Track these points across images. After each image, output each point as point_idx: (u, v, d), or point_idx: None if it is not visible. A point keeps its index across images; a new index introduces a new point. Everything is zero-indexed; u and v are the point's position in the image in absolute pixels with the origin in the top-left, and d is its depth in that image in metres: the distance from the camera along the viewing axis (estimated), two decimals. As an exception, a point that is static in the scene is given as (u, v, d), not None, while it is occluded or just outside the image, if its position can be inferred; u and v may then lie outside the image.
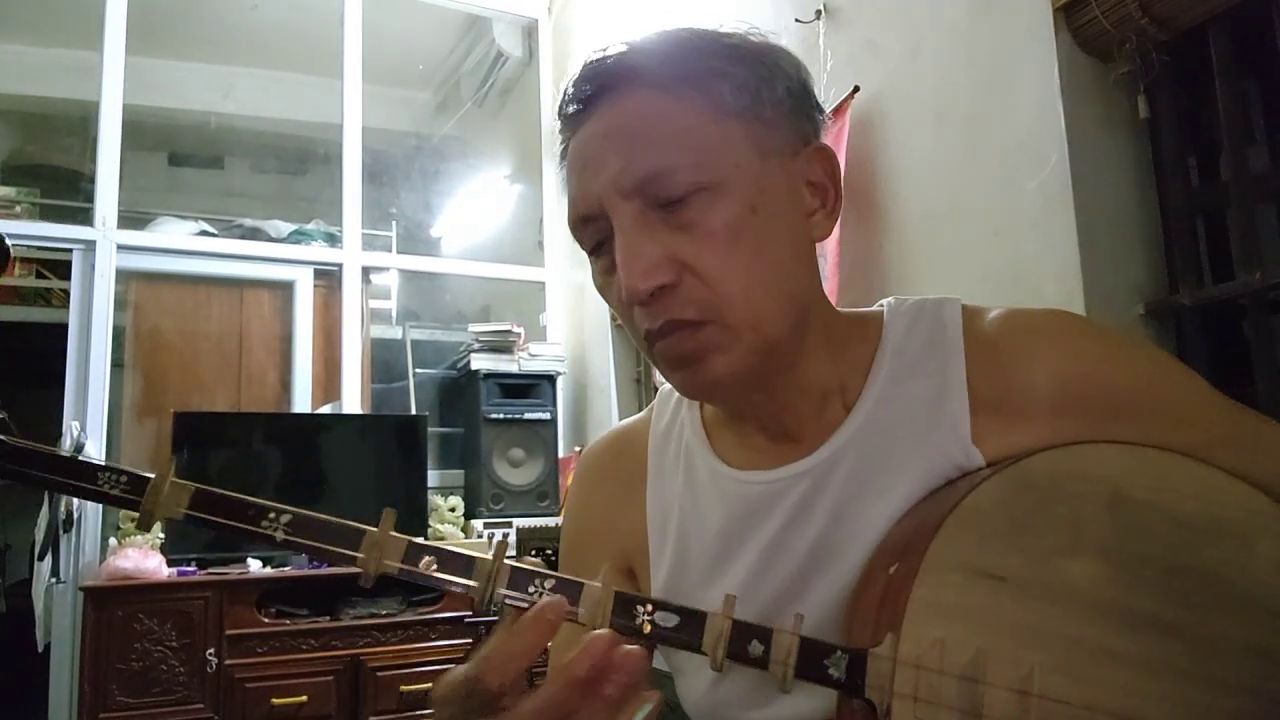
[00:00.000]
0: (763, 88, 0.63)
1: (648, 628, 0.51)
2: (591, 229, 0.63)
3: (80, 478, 0.52)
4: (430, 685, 3.03)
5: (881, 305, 0.72)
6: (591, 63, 0.64)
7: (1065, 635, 0.54)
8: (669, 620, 0.52)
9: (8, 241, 0.55)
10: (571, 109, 0.64)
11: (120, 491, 0.52)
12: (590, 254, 0.65)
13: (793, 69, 0.65)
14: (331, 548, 0.52)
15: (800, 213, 0.65)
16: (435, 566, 0.52)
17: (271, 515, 0.53)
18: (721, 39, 0.64)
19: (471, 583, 0.52)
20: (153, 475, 0.52)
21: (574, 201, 0.64)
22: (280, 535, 0.53)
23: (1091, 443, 0.60)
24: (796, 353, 0.65)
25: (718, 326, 0.60)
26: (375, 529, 0.53)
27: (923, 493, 0.63)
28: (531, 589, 0.52)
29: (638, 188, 0.60)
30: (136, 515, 0.52)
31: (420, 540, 0.53)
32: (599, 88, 0.63)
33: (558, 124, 0.66)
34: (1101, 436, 0.61)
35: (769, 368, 0.63)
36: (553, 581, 0.52)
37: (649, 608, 0.52)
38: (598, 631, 0.49)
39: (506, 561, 0.52)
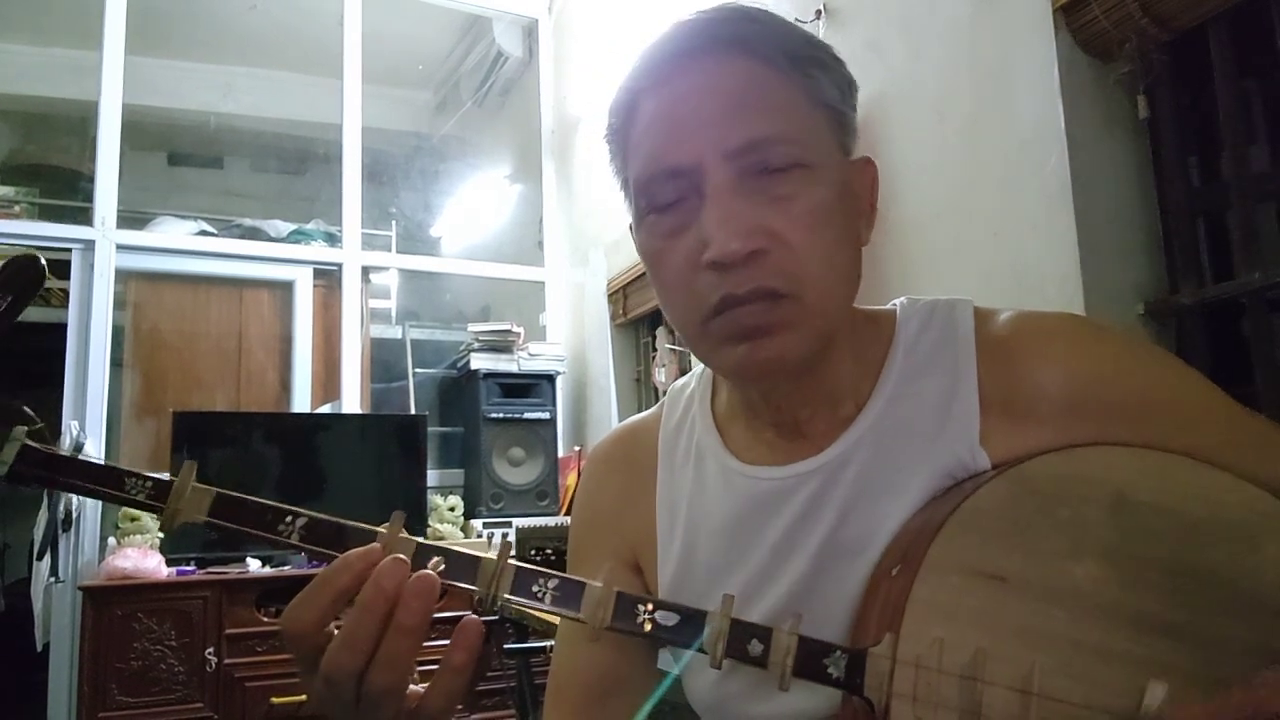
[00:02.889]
0: (845, 92, 0.65)
1: (648, 626, 0.52)
2: (673, 185, 0.61)
3: (109, 484, 0.55)
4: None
5: (894, 304, 0.72)
6: (683, 24, 0.63)
7: (1067, 636, 0.54)
8: (669, 619, 0.52)
9: (42, 262, 0.58)
10: (654, 67, 0.63)
11: (145, 496, 0.55)
12: (659, 211, 0.63)
13: (854, 87, 0.67)
14: (344, 552, 0.53)
15: (860, 213, 0.67)
16: (443, 567, 0.53)
17: (288, 519, 0.55)
18: (808, 34, 0.65)
19: (474, 587, 0.52)
20: (175, 480, 0.55)
21: (663, 153, 0.61)
22: (295, 538, 0.54)
23: (1095, 445, 0.60)
24: (831, 347, 0.65)
25: (797, 303, 0.60)
26: (385, 530, 0.54)
27: (931, 492, 0.63)
28: (536, 588, 0.52)
29: (742, 151, 0.59)
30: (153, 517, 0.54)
31: (429, 541, 0.55)
32: (698, 47, 0.62)
33: (631, 79, 0.65)
34: (1110, 439, 0.61)
35: (818, 356, 0.64)
36: (556, 581, 0.52)
37: (650, 607, 0.52)
38: (388, 558, 0.50)
39: (511, 562, 0.52)
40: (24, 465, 0.55)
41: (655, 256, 0.64)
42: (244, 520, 0.55)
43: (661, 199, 0.62)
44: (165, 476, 0.56)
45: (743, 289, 0.59)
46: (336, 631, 0.49)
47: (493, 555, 0.53)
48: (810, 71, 0.62)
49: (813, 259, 0.60)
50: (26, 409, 0.56)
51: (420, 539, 0.54)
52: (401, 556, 0.50)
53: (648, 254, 0.65)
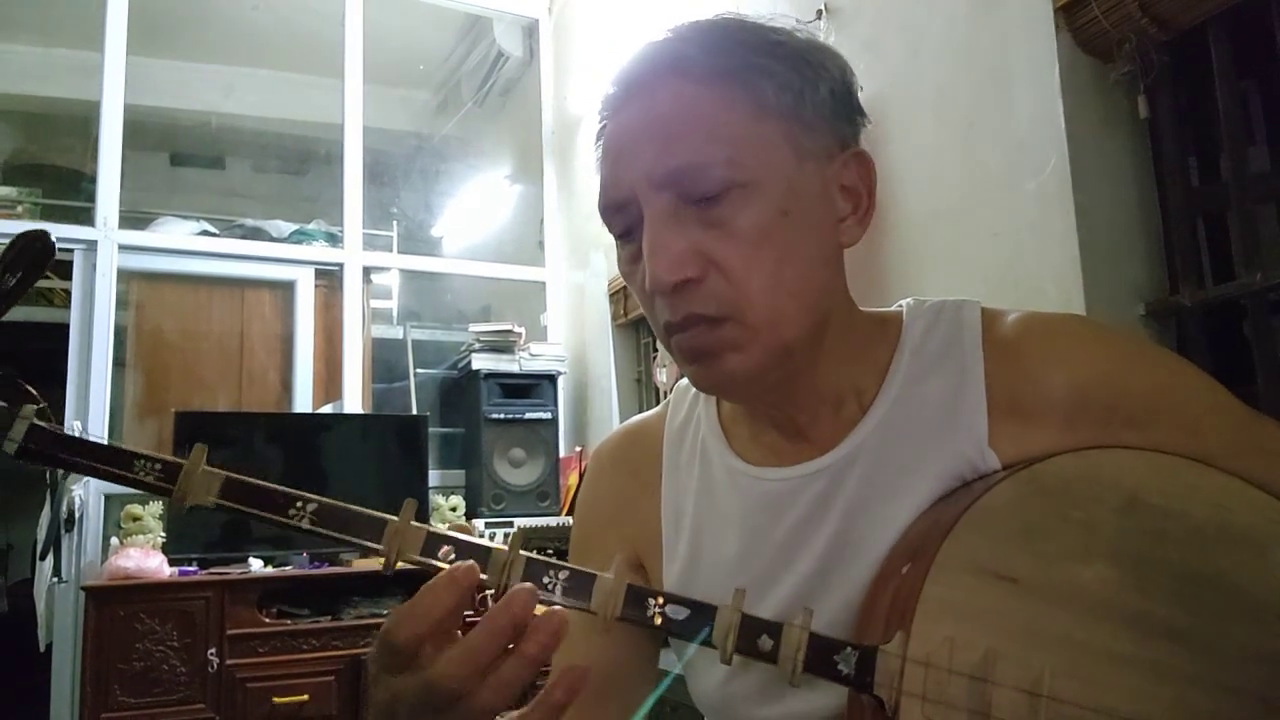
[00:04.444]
0: (806, 88, 0.62)
1: (659, 620, 0.52)
2: (621, 216, 0.63)
3: (118, 464, 0.54)
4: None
5: (901, 305, 0.72)
6: (640, 49, 0.64)
7: (1076, 638, 0.55)
8: (679, 613, 0.52)
9: (51, 238, 0.57)
10: (613, 93, 0.64)
11: (155, 478, 0.54)
12: (618, 239, 0.65)
13: (838, 71, 0.65)
14: (355, 538, 0.53)
15: (830, 218, 0.65)
16: (453, 557, 0.53)
17: (298, 504, 0.54)
18: (768, 34, 0.63)
19: (485, 575, 0.52)
20: (185, 462, 0.54)
21: (606, 187, 0.64)
22: (306, 524, 0.54)
23: (1106, 448, 0.60)
24: (815, 356, 0.65)
25: (737, 324, 0.60)
26: (396, 518, 0.54)
27: (938, 493, 0.63)
28: (546, 580, 0.52)
29: (671, 180, 0.60)
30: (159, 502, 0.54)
31: (440, 530, 0.54)
32: (642, 75, 0.63)
33: (599, 107, 0.66)
34: (1117, 441, 0.61)
35: (785, 369, 0.63)
36: (567, 573, 0.52)
37: (660, 600, 0.52)
38: (520, 585, 0.50)
39: (522, 553, 0.53)
40: (33, 443, 0.54)
41: (626, 279, 0.66)
42: (254, 504, 0.54)
43: (615, 229, 0.64)
44: (175, 459, 0.54)
45: (677, 316, 0.61)
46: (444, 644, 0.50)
47: (504, 546, 0.53)
48: (752, 82, 0.61)
49: (753, 279, 0.59)
50: (30, 388, 0.55)
51: (430, 526, 0.54)
52: (531, 586, 0.50)
53: (623, 275, 0.67)
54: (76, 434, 0.56)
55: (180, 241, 3.45)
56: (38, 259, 0.57)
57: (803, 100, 0.62)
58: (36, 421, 0.54)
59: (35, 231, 0.58)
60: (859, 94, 0.68)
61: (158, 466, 0.54)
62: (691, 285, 0.59)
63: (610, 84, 0.65)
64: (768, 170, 0.60)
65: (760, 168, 0.60)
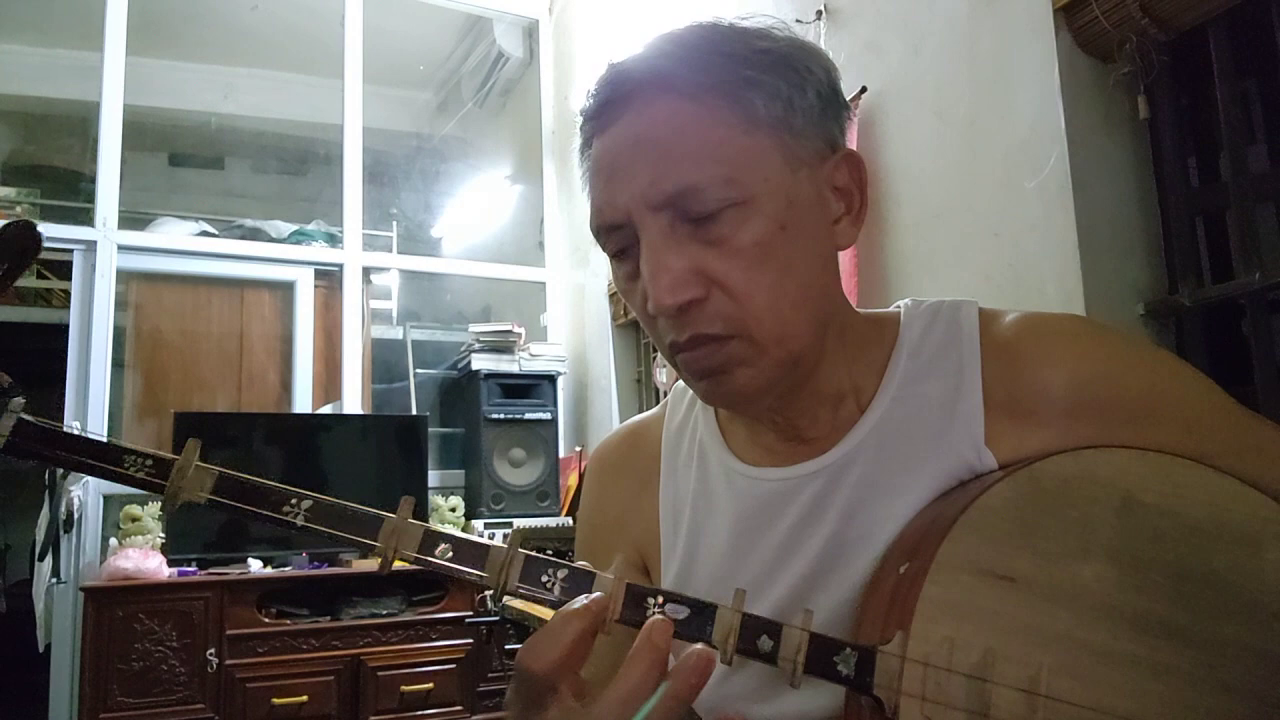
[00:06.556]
0: (795, 96, 0.61)
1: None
2: (616, 236, 0.62)
3: (108, 460, 0.53)
4: (431, 685, 3.02)
5: (898, 306, 0.72)
6: (619, 64, 0.62)
7: (1073, 637, 0.54)
8: (679, 613, 0.52)
9: (38, 229, 0.56)
10: (597, 110, 0.63)
11: (145, 474, 0.53)
12: (612, 257, 0.64)
13: (822, 70, 0.64)
14: (350, 535, 0.53)
15: (825, 222, 0.64)
16: (451, 555, 0.52)
17: (293, 501, 0.53)
18: (752, 41, 0.62)
19: (484, 573, 0.52)
20: (177, 458, 0.53)
21: (599, 209, 0.62)
22: (300, 521, 0.53)
23: (1103, 447, 0.60)
24: (817, 361, 0.65)
25: (744, 341, 0.60)
26: (394, 515, 0.53)
27: (936, 493, 0.63)
28: (545, 578, 0.52)
29: (668, 202, 0.59)
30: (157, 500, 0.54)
31: (437, 528, 0.54)
32: (627, 91, 0.61)
33: (579, 120, 0.65)
34: (1115, 441, 0.61)
35: (791, 378, 0.63)
36: (565, 571, 0.52)
37: (659, 600, 0.52)
38: (660, 620, 0.49)
39: (520, 551, 0.52)
40: (20, 438, 0.52)
41: (624, 296, 0.65)
42: (248, 500, 0.53)
43: (610, 249, 0.64)
44: (167, 455, 0.53)
45: (683, 336, 0.60)
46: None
47: (501, 544, 0.53)
48: (741, 95, 0.59)
49: (756, 295, 0.59)
50: (10, 379, 0.54)
51: (427, 524, 0.54)
52: (667, 618, 0.50)
53: (621, 292, 0.66)
54: (65, 428, 0.54)
55: (179, 242, 3.45)
56: (23, 249, 0.55)
57: (792, 108, 0.61)
58: (24, 416, 0.53)
59: (20, 221, 0.56)
60: (858, 95, 0.68)
61: (149, 462, 0.53)
62: (695, 305, 0.59)
63: (592, 98, 0.63)
64: (764, 186, 0.60)
65: (756, 184, 0.59)
